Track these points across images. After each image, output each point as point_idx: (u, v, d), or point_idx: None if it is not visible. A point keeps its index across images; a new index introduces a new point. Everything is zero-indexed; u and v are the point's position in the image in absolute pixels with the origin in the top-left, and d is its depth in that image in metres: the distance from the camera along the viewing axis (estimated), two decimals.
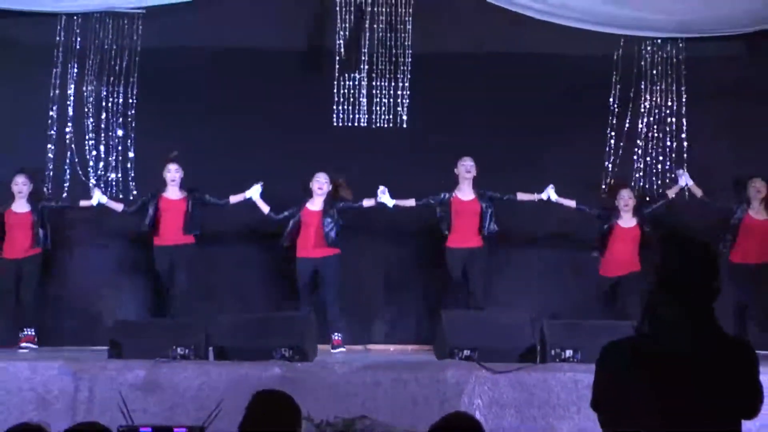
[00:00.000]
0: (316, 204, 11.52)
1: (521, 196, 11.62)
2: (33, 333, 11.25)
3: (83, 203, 11.77)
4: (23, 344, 11.08)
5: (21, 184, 11.42)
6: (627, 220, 11.49)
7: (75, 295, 12.30)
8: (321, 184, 11.48)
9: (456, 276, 11.60)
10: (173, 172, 11.53)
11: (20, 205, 11.45)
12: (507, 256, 12.09)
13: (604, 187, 12.31)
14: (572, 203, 11.62)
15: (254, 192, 11.57)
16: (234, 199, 11.61)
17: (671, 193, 11.78)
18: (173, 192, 11.58)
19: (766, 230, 11.47)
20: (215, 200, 11.64)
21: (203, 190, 11.59)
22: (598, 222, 11.61)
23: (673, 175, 12.23)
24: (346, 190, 11.62)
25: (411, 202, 11.64)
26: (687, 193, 11.75)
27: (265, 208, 11.59)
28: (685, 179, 11.67)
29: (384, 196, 11.51)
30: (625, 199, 11.50)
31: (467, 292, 11.55)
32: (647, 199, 11.97)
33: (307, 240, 11.51)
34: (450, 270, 11.63)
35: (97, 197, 11.68)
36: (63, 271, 12.24)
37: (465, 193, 11.55)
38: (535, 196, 11.61)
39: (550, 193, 11.53)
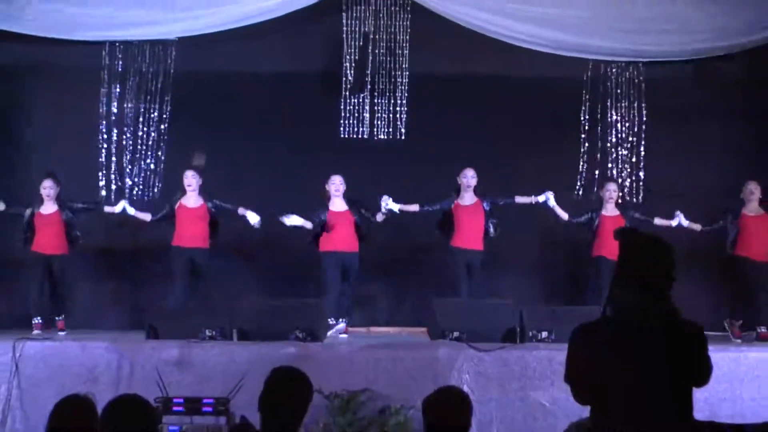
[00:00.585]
0: (337, 205, 11.29)
1: (519, 199, 11.41)
2: (62, 318, 11.07)
3: (107, 209, 11.52)
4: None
5: (48, 188, 11.12)
6: (611, 210, 11.29)
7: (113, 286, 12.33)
8: (338, 186, 11.24)
9: (460, 273, 11.31)
10: (190, 179, 11.23)
11: (48, 207, 11.15)
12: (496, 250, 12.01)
13: (577, 188, 12.31)
14: (565, 215, 11.40)
15: (294, 220, 11.16)
16: (243, 211, 11.23)
17: (658, 222, 11.32)
18: (192, 199, 11.29)
19: (763, 226, 11.20)
20: (228, 206, 11.34)
21: (223, 197, 11.39)
22: (587, 228, 11.38)
23: (633, 180, 12.33)
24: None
25: (414, 207, 11.40)
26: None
27: (308, 225, 11.22)
28: (678, 220, 11.31)
29: (390, 204, 11.27)
30: (611, 191, 11.34)
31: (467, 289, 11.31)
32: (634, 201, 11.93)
33: (335, 237, 11.20)
34: (454, 266, 11.38)
35: (122, 206, 11.37)
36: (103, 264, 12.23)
37: (466, 199, 11.36)
38: (532, 199, 11.39)
39: (549, 197, 11.32)
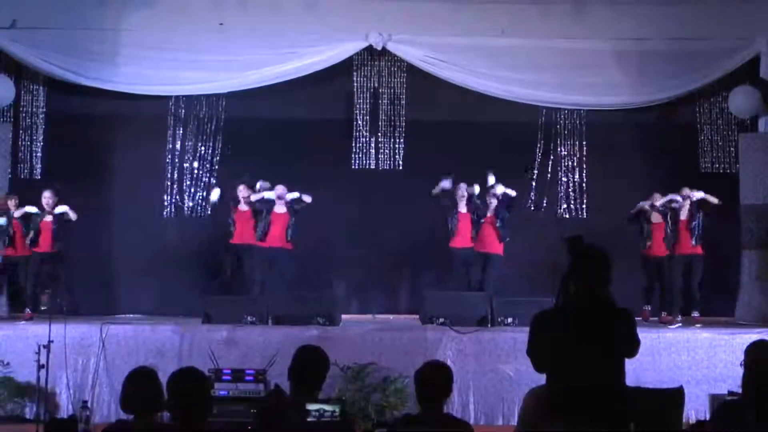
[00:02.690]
0: (280, 208, 11.12)
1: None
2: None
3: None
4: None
5: (48, 198, 10.67)
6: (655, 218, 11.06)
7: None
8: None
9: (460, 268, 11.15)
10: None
11: (47, 215, 10.70)
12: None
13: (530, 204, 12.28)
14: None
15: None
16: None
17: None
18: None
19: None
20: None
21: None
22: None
23: (576, 200, 12.32)
24: None
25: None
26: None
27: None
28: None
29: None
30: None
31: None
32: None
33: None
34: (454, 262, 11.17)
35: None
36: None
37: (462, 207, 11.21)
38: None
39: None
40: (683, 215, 10.99)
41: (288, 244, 11.10)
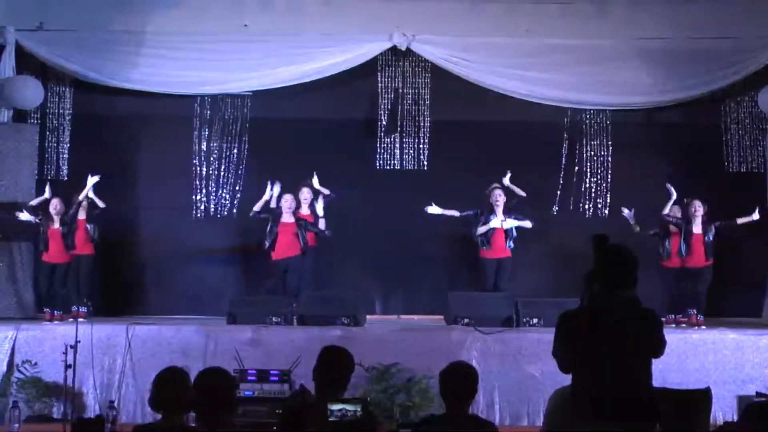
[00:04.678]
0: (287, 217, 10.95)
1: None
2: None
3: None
4: None
5: (56, 204, 10.69)
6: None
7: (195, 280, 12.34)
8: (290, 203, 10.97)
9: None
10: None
11: (55, 222, 10.71)
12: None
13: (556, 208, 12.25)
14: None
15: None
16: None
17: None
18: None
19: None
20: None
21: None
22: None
23: (601, 200, 12.28)
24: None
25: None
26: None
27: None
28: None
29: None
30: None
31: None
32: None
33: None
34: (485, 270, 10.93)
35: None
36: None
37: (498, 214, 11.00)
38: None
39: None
40: (696, 229, 10.62)
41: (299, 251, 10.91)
